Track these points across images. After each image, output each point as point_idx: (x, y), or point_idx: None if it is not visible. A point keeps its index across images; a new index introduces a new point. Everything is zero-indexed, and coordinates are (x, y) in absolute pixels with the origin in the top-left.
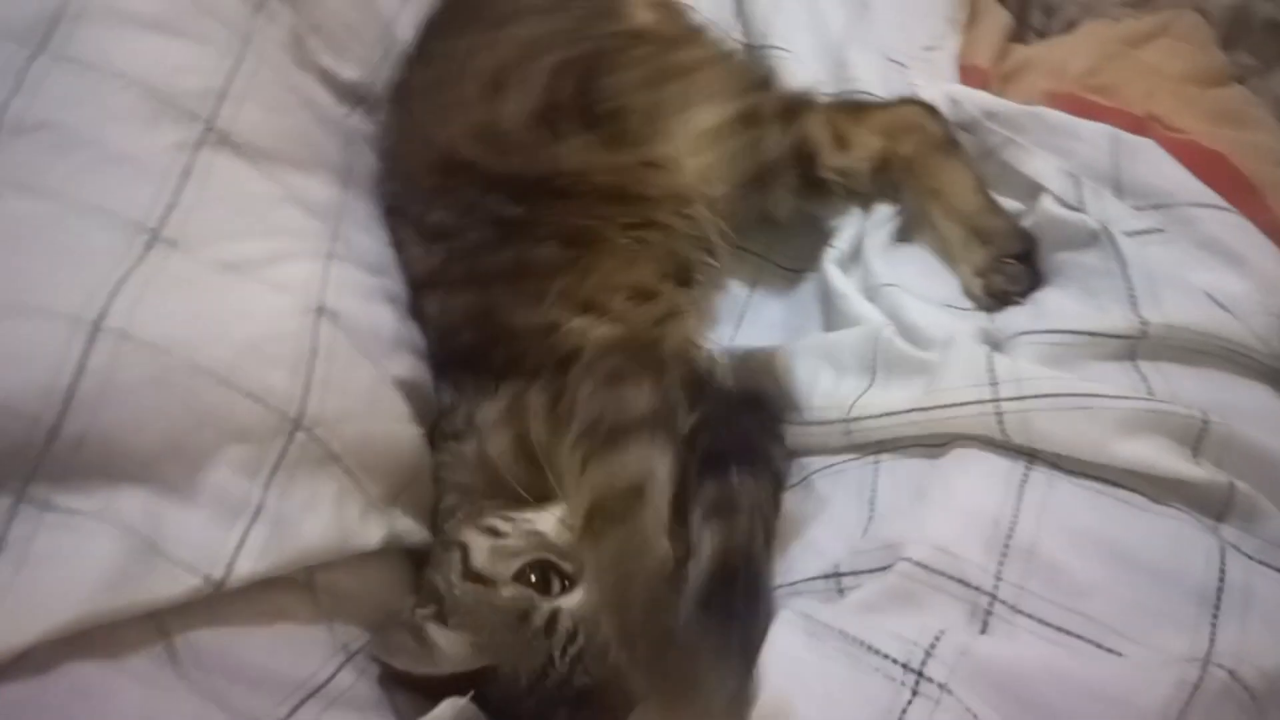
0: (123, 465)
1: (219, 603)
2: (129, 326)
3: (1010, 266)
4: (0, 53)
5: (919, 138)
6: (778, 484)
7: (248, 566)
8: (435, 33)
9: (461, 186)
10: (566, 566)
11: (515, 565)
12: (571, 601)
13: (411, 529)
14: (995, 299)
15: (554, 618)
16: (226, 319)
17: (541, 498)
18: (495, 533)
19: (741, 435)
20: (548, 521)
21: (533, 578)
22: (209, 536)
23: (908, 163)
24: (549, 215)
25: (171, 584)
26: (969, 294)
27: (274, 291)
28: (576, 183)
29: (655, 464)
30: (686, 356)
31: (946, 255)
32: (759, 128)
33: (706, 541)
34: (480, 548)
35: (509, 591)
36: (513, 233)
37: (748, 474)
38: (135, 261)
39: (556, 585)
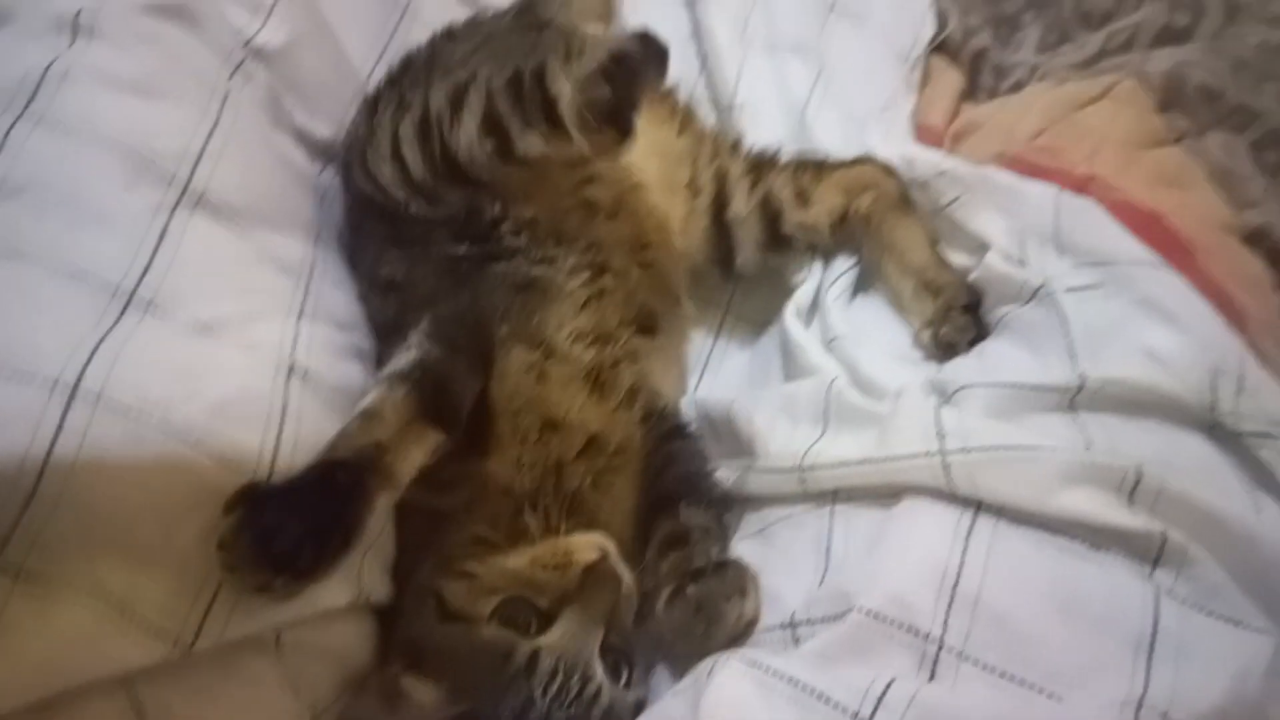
0: (94, 530)
1: (187, 667)
2: (105, 389)
3: (957, 318)
4: None
5: (876, 195)
6: (722, 504)
7: (216, 631)
8: (391, 83)
9: (411, 233)
10: (542, 603)
11: (492, 602)
12: (551, 639)
13: (378, 585)
14: (942, 349)
15: (535, 657)
16: (199, 380)
17: (512, 541)
18: (469, 576)
19: (684, 474)
20: (521, 560)
21: (512, 613)
22: (178, 601)
23: (865, 219)
24: (496, 265)
25: (141, 650)
26: (919, 343)
27: (246, 352)
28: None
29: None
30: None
31: (899, 306)
32: (727, 186)
33: (666, 569)
34: (456, 594)
35: (489, 632)
36: (462, 285)
37: (694, 505)
38: (112, 324)
39: (533, 622)
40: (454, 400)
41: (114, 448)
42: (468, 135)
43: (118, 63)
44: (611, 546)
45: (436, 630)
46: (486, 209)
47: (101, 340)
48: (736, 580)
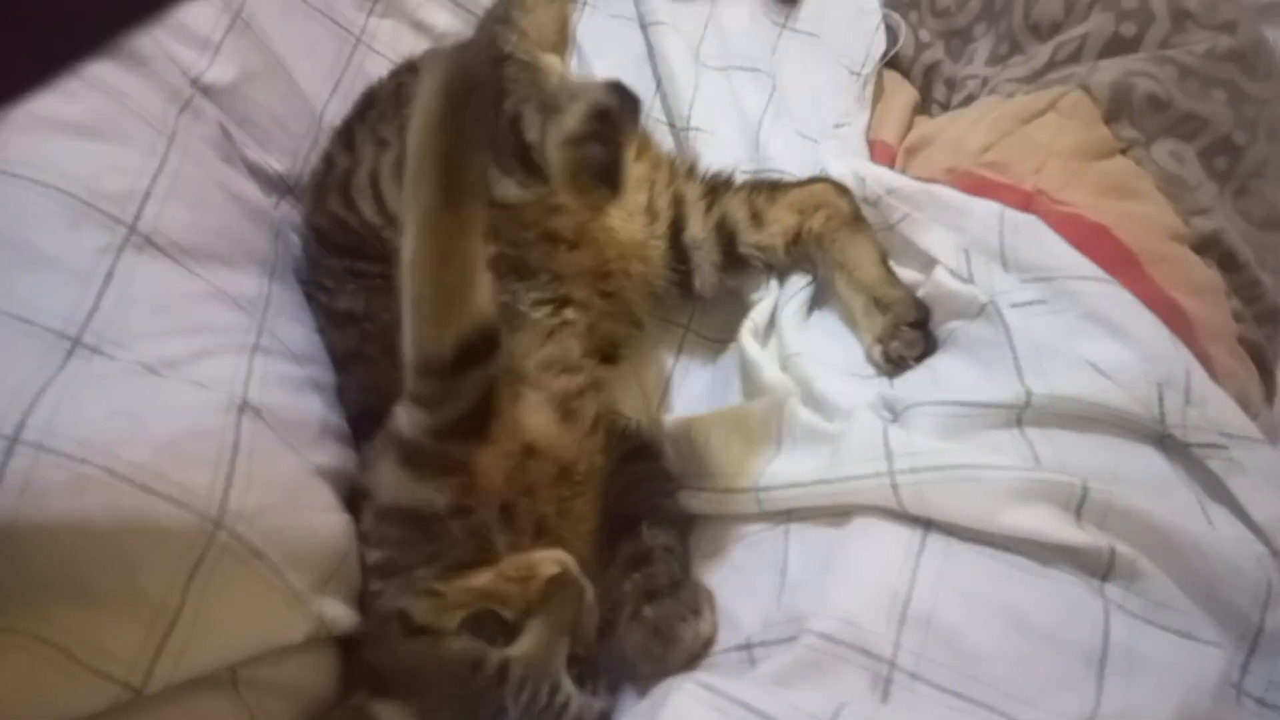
0: (38, 577)
1: (141, 709)
2: (46, 439)
3: (906, 333)
4: None
5: (828, 214)
6: (684, 524)
7: (166, 672)
8: (357, 118)
9: (373, 267)
10: (508, 614)
11: (459, 616)
12: (520, 649)
13: (341, 615)
14: (893, 363)
15: (504, 667)
16: (145, 421)
17: (478, 561)
18: (434, 594)
19: (646, 495)
20: (486, 576)
21: (479, 625)
22: (127, 644)
23: (818, 237)
24: None
25: (90, 694)
26: (869, 359)
27: (195, 389)
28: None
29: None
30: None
31: (851, 323)
32: (684, 210)
33: (629, 588)
34: (422, 610)
35: (458, 644)
36: None
37: (656, 526)
38: (55, 370)
39: (498, 635)
40: None
41: (57, 494)
42: None
43: (60, 105)
44: (572, 562)
45: (402, 647)
46: None
47: (44, 388)
48: (691, 600)
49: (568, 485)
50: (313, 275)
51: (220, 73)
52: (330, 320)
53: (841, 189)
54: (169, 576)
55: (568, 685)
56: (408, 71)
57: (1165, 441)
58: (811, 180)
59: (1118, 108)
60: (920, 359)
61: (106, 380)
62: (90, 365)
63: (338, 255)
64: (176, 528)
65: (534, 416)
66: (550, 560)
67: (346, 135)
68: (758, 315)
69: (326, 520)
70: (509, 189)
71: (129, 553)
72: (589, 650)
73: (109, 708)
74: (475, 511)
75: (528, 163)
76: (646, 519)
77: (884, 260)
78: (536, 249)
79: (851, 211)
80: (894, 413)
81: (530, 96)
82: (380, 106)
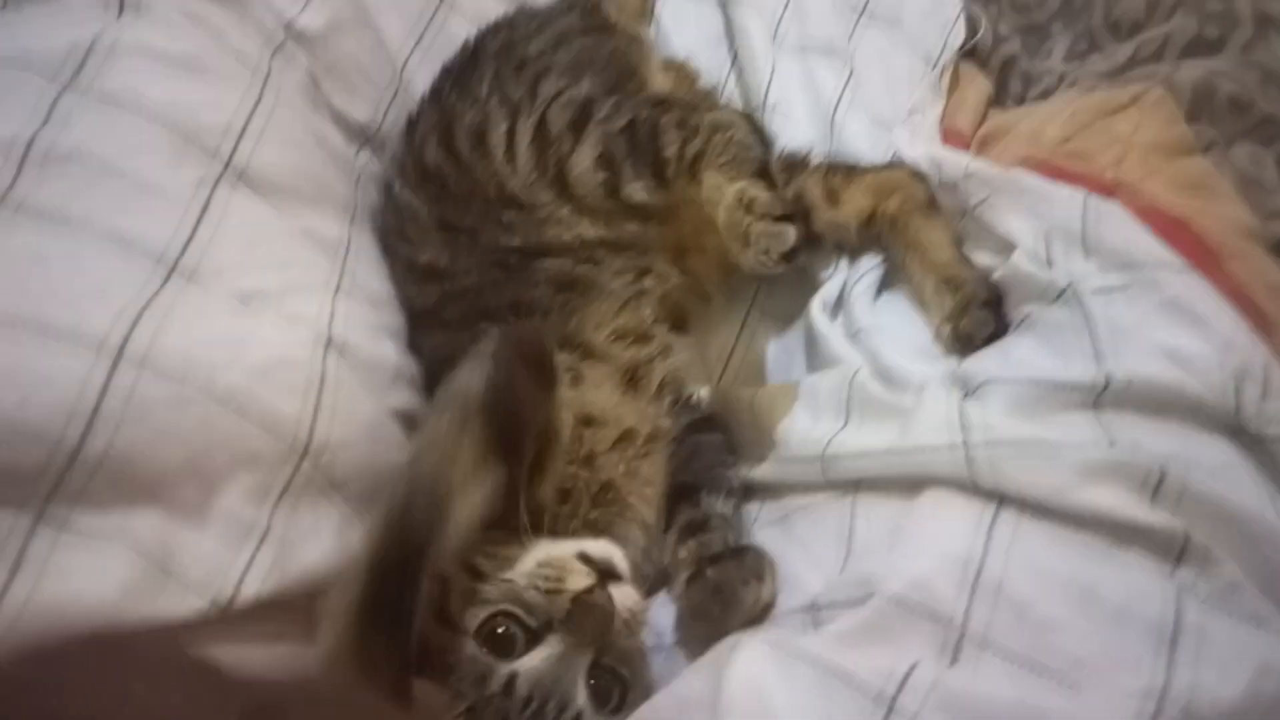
0: (138, 486)
1: (225, 625)
2: (149, 354)
3: (976, 312)
4: (30, 86)
5: (903, 197)
6: (741, 496)
7: (253, 588)
8: (454, 79)
9: (463, 219)
10: (531, 622)
11: (481, 616)
12: (531, 663)
13: None
14: (961, 343)
15: (511, 681)
16: (240, 349)
17: (533, 529)
18: (476, 572)
19: (707, 465)
20: (523, 569)
21: (498, 630)
22: (218, 558)
23: (892, 220)
24: (544, 261)
25: (180, 604)
26: (938, 338)
27: (285, 323)
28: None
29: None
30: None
31: (920, 302)
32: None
33: (684, 554)
34: (458, 588)
35: (470, 650)
36: (509, 275)
37: (715, 495)
38: (155, 291)
39: (521, 640)
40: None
41: (159, 409)
42: (584, 163)
43: (163, 39)
44: (618, 556)
45: (430, 626)
46: (562, 216)
47: (146, 305)
48: (754, 565)
49: (630, 449)
50: (397, 224)
51: (311, 19)
52: (410, 273)
53: (917, 175)
54: (259, 498)
55: (580, 703)
56: (508, 28)
57: (1239, 434)
58: (888, 166)
59: (1199, 107)
60: (989, 340)
61: (203, 306)
62: (188, 290)
63: (430, 204)
64: (267, 452)
65: (594, 391)
66: (583, 573)
67: (460, 83)
68: (827, 291)
69: (398, 460)
70: (636, 191)
71: (223, 471)
72: (622, 660)
73: (197, 619)
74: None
75: (660, 174)
76: (706, 488)
77: (957, 244)
78: (629, 226)
79: (927, 197)
80: (966, 390)
81: (669, 108)
82: (495, 61)
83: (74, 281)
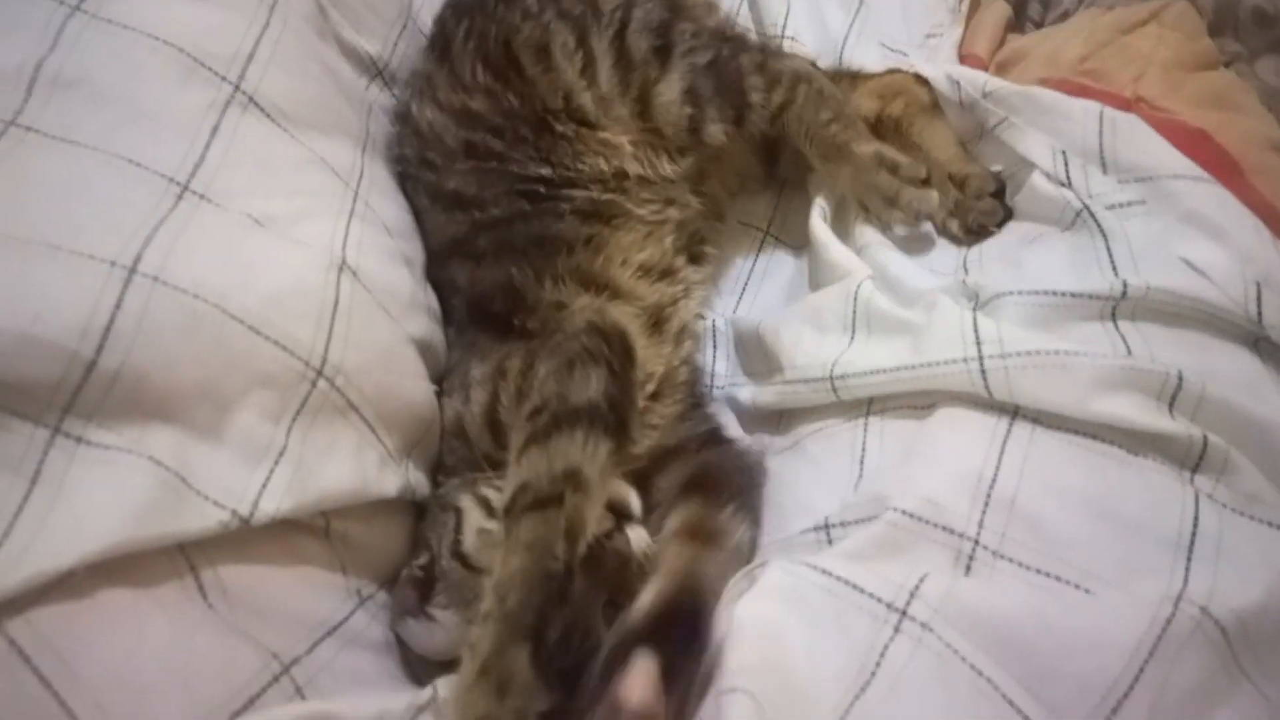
0: (154, 403)
1: (243, 541)
2: (162, 273)
3: (985, 202)
4: (38, 11)
5: (907, 100)
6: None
7: (272, 506)
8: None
9: (493, 146)
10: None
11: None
12: None
13: (423, 483)
14: (972, 234)
15: None
16: (253, 270)
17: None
18: (488, 506)
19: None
20: None
21: None
22: (235, 475)
23: (897, 121)
24: (572, 191)
25: (201, 518)
26: (947, 233)
27: (298, 247)
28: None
29: (588, 455)
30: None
31: None
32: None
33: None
34: (471, 525)
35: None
36: (536, 206)
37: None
38: (167, 212)
39: None
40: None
41: (172, 327)
42: (670, 94)
43: None
44: (634, 498)
45: (445, 560)
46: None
47: (158, 226)
48: None
49: (656, 395)
50: (419, 150)
51: None
52: (437, 201)
53: (920, 79)
54: (275, 417)
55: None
56: None
57: (1259, 345)
58: (890, 71)
59: (1223, 21)
60: (998, 226)
61: (216, 228)
62: (199, 212)
63: (457, 125)
64: (282, 372)
65: None
66: (602, 516)
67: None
68: (825, 201)
69: (418, 387)
70: (715, 134)
71: (238, 390)
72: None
73: (217, 534)
74: None
75: (741, 119)
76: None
77: (959, 141)
78: (677, 166)
79: (930, 99)
80: (976, 301)
81: (749, 46)
82: None
83: (86, 203)
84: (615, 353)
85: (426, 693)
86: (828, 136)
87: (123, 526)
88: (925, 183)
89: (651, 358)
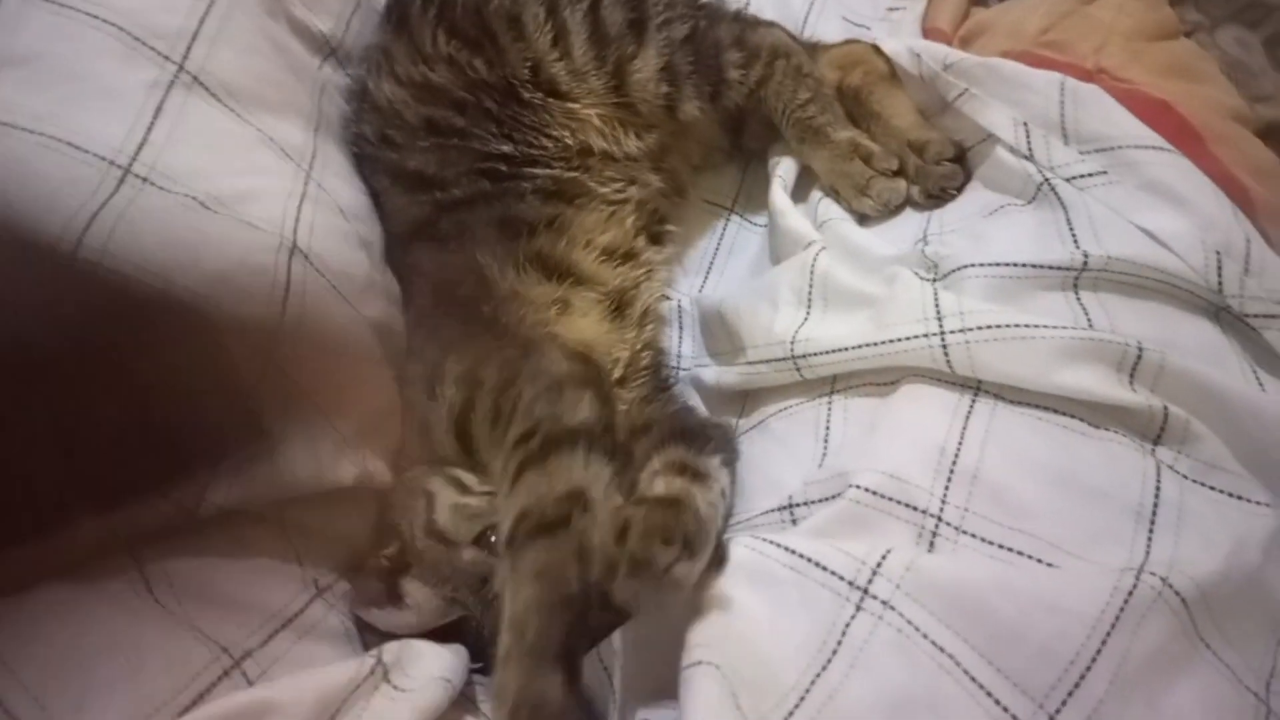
0: None
1: (191, 533)
2: (103, 257)
3: (945, 167)
4: None
5: (865, 69)
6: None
7: (219, 496)
8: None
9: (454, 123)
10: None
11: (476, 528)
12: None
13: (382, 470)
14: (932, 197)
15: None
16: (198, 251)
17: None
18: (461, 485)
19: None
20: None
21: (493, 539)
22: None
23: (855, 91)
24: (534, 169)
25: (146, 510)
26: (909, 200)
27: (245, 228)
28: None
29: (592, 475)
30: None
31: None
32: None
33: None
34: (444, 503)
35: (469, 555)
36: (497, 186)
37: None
38: (109, 194)
39: None
40: None
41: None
42: (647, 70)
43: None
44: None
45: (420, 539)
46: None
47: (98, 211)
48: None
49: (621, 380)
50: (379, 128)
51: None
52: (398, 182)
53: (877, 49)
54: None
55: None
56: None
57: (1220, 315)
58: (848, 41)
59: None
60: (958, 190)
61: (159, 210)
62: (143, 194)
63: (417, 101)
64: (234, 358)
65: (582, 320)
66: None
67: None
68: (785, 171)
69: (374, 372)
70: (691, 110)
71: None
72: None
73: (162, 526)
74: None
75: (717, 97)
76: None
77: (916, 110)
78: (627, 136)
79: (888, 69)
80: (936, 272)
81: (730, 33)
82: None
83: (24, 187)
84: (599, 377)
85: (369, 661)
86: (805, 119)
87: None
88: (897, 174)
89: (615, 343)
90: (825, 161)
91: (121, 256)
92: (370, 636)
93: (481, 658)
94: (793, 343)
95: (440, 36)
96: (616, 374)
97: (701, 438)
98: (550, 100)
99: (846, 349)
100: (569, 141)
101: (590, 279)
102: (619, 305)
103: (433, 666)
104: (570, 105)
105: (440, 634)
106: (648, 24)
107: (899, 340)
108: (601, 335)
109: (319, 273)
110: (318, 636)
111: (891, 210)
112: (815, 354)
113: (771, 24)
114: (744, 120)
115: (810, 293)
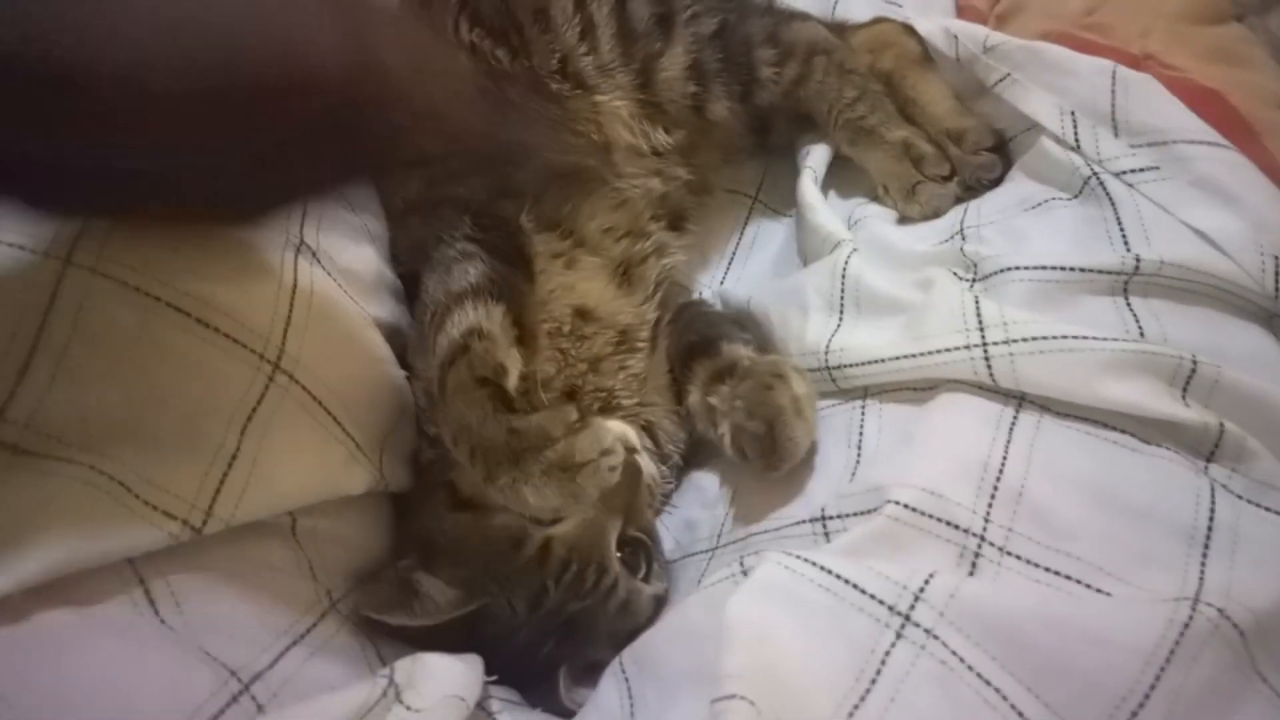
0: (99, 410)
1: (197, 550)
2: (99, 262)
3: (983, 157)
4: None
5: (898, 52)
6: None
7: (226, 513)
8: None
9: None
10: None
11: None
12: (564, 528)
13: (397, 475)
14: (971, 190)
15: (547, 545)
16: (202, 253)
17: None
18: None
19: (711, 323)
20: None
21: None
22: (185, 483)
23: (888, 75)
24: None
25: (149, 531)
26: None
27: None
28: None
29: (482, 314)
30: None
31: None
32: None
33: (718, 402)
34: (469, 479)
35: (500, 519)
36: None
37: (734, 341)
38: None
39: None
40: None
41: (112, 322)
42: (674, 69)
43: None
44: (633, 436)
45: (448, 520)
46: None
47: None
48: (771, 368)
49: (627, 349)
50: None
51: None
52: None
53: (908, 29)
54: (226, 417)
55: (615, 568)
56: None
57: (1272, 321)
58: (876, 20)
59: None
60: (998, 181)
61: None
62: None
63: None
64: (234, 368)
65: (587, 283)
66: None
67: None
68: (816, 162)
69: (386, 374)
70: (720, 110)
71: (187, 390)
72: (645, 531)
73: (167, 546)
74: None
75: (749, 97)
76: (724, 338)
77: (953, 94)
78: (656, 131)
79: (921, 50)
80: (975, 272)
81: (762, 28)
82: None
83: None
84: (499, 242)
85: (380, 683)
86: (854, 119)
87: (64, 547)
88: (948, 179)
89: (623, 310)
90: (879, 163)
91: (118, 262)
92: (380, 637)
93: (496, 668)
94: (826, 353)
95: (463, 24)
96: (640, 341)
97: (711, 332)
98: (578, 92)
99: (883, 360)
100: (594, 136)
101: (594, 246)
102: (625, 272)
103: (446, 684)
104: (598, 99)
105: (452, 642)
106: (675, 19)
107: (938, 352)
108: (610, 301)
109: (326, 272)
110: (329, 654)
111: (938, 215)
112: (850, 365)
113: (807, 17)
114: (772, 121)
115: (842, 298)
